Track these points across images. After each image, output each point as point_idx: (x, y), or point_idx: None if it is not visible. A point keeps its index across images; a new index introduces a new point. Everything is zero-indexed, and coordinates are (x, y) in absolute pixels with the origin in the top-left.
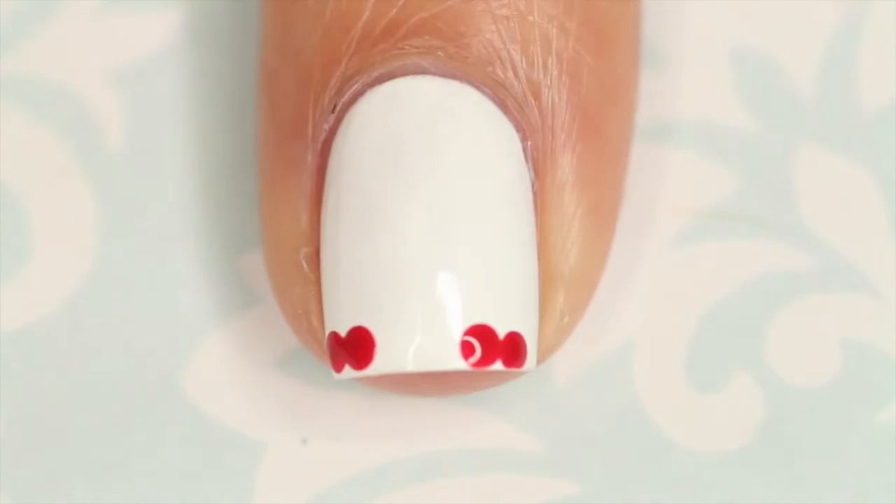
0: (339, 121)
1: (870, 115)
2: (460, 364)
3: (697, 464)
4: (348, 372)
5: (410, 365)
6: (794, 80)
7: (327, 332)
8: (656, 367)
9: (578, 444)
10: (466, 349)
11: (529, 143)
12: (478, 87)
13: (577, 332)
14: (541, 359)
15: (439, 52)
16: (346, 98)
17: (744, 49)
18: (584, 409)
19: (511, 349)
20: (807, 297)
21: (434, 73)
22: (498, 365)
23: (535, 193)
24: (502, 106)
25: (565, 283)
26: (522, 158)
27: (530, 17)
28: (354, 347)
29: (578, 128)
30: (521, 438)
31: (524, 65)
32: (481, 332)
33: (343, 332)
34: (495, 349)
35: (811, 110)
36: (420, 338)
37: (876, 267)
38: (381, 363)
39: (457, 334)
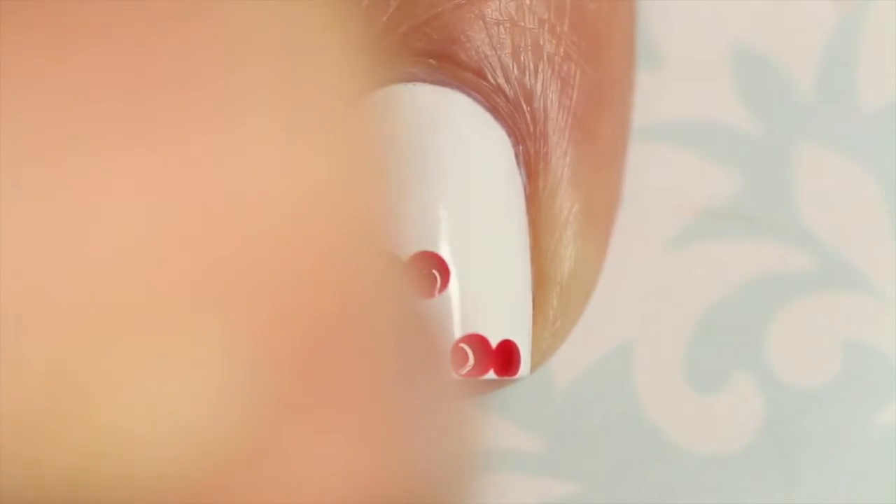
0: None
1: (870, 115)
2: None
3: (697, 464)
4: None
5: None
6: (794, 80)
7: None
8: (656, 368)
9: (578, 444)
10: (459, 359)
11: (521, 147)
12: (469, 94)
13: (577, 333)
14: (535, 365)
15: (430, 60)
16: None
17: (744, 49)
18: (584, 409)
19: (504, 357)
20: (807, 297)
21: (425, 81)
22: (490, 374)
23: (527, 198)
24: (494, 112)
25: (558, 287)
26: (514, 163)
27: (521, 23)
28: None
29: (570, 131)
30: (521, 438)
31: (515, 70)
32: (474, 342)
33: None
34: (488, 358)
35: (811, 110)
36: None
37: (876, 267)
38: None
39: (449, 344)
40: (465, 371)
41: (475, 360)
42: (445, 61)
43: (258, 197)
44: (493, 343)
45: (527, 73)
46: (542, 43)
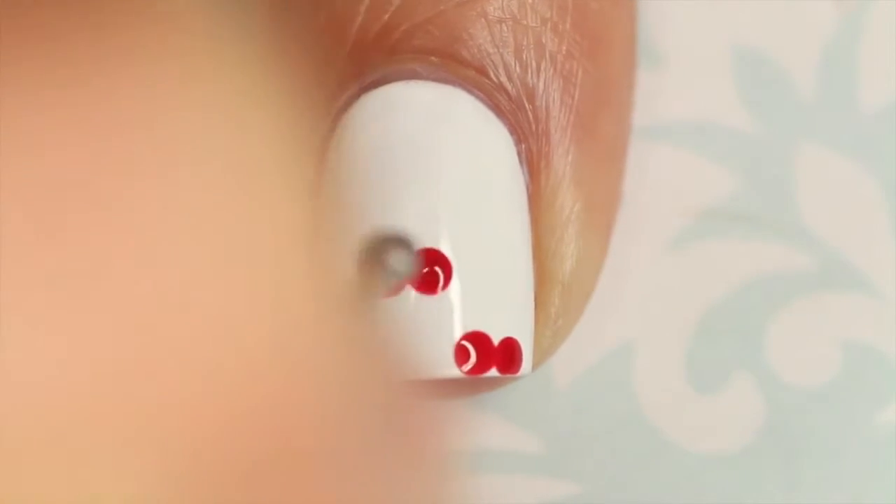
0: (333, 126)
1: (870, 115)
2: (455, 372)
3: (697, 464)
4: None
5: None
6: (794, 80)
7: None
8: (656, 368)
9: (578, 444)
10: (461, 356)
11: (524, 146)
12: (471, 92)
13: (577, 333)
14: (536, 363)
15: (433, 58)
16: (340, 103)
17: (744, 49)
18: (585, 409)
19: (506, 355)
20: (807, 297)
21: (427, 78)
22: (493, 372)
23: (529, 196)
24: (496, 110)
25: (560, 285)
26: (517, 161)
27: (524, 21)
28: None
29: (572, 130)
30: (521, 438)
31: (518, 69)
32: (476, 339)
33: None
34: (490, 356)
35: (811, 110)
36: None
37: (876, 267)
38: None
39: (452, 341)
40: (467, 368)
41: (477, 358)
42: (448, 59)
43: (203, 341)
44: (496, 340)
45: (529, 72)
46: (544, 41)
